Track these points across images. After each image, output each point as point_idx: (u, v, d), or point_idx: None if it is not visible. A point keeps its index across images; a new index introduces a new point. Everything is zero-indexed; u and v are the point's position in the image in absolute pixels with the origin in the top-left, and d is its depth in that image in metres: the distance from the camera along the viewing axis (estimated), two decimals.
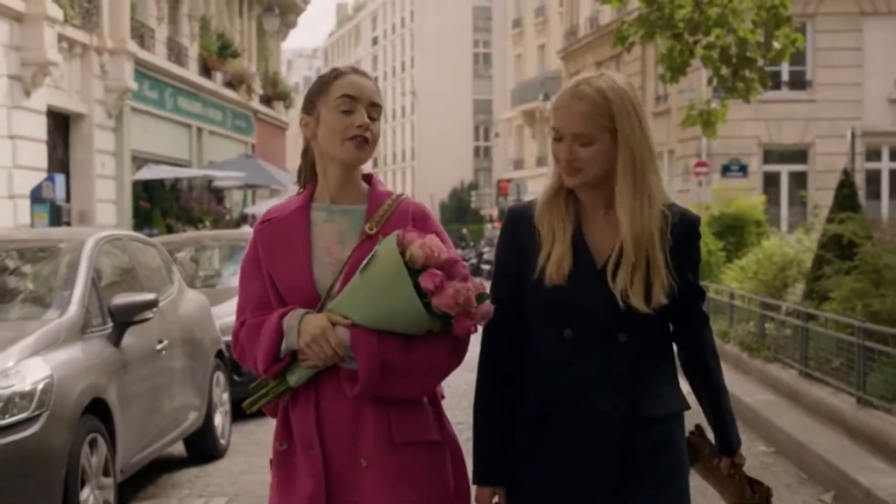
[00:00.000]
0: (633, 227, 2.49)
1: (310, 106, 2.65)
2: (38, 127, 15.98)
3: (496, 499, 2.60)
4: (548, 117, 3.03)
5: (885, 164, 27.96)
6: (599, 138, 2.50)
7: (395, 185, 79.23)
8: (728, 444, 2.72)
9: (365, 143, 2.61)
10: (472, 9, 74.11)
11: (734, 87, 14.61)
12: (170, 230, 19.52)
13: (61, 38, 16.37)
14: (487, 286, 2.62)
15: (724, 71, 14.53)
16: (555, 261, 2.50)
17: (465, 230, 51.99)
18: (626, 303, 2.48)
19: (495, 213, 55.52)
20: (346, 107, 2.59)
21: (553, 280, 2.50)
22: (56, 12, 15.74)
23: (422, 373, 2.52)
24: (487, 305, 2.50)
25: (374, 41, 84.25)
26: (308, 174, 2.72)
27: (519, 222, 2.61)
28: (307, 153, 2.72)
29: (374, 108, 2.64)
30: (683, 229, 2.57)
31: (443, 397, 2.69)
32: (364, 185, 2.72)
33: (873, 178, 27.85)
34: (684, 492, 2.62)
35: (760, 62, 14.66)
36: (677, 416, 2.61)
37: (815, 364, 8.98)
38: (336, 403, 2.52)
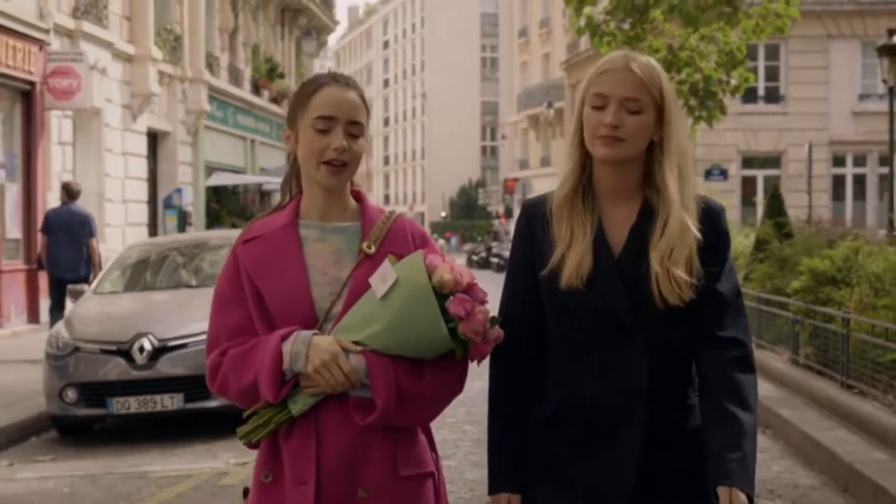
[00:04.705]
0: (681, 206, 2.33)
1: (292, 118, 2.49)
2: (141, 145, 19.91)
3: None
4: (578, 101, 2.45)
5: (849, 170, 31.33)
6: (647, 109, 2.34)
7: (405, 183, 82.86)
8: (725, 472, 2.30)
9: (342, 167, 2.43)
10: (480, 15, 77.67)
11: (700, 115, 18.31)
12: (234, 228, 23.42)
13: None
14: (496, 280, 2.53)
15: (693, 102, 18.22)
16: (573, 264, 2.34)
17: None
18: (650, 292, 2.32)
19: (502, 209, 58.99)
20: (323, 126, 2.42)
21: (571, 282, 2.34)
22: (157, 53, 19.65)
23: (431, 399, 2.43)
24: (497, 330, 2.41)
25: (385, 45, 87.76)
26: (295, 186, 2.55)
27: (533, 219, 2.45)
28: (294, 164, 2.54)
29: (355, 126, 2.45)
30: (712, 217, 2.39)
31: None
32: (353, 201, 2.55)
33: (839, 183, 31.42)
34: None
35: (721, 95, 18.36)
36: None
37: None
38: (339, 434, 2.38)
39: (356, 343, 2.36)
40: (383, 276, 2.37)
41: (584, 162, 2.41)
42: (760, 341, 11.44)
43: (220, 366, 2.42)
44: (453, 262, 2.42)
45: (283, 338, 2.35)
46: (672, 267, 2.31)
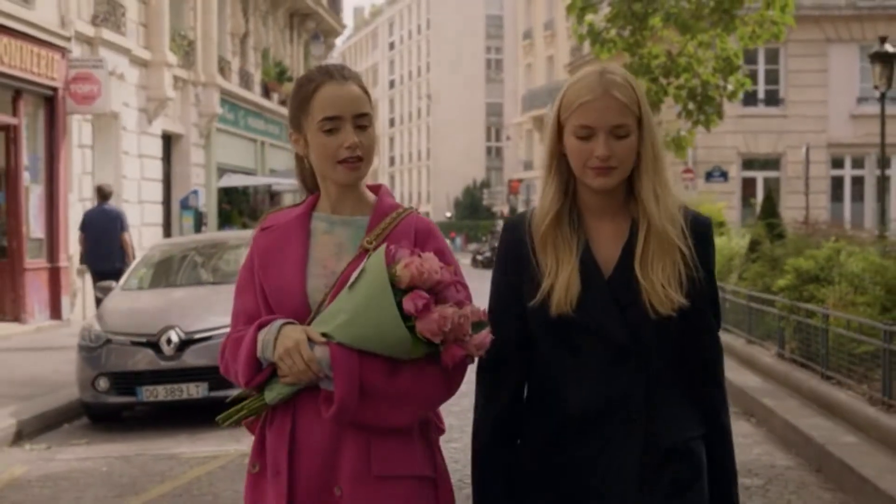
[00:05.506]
0: (661, 217, 2.29)
1: (295, 121, 2.46)
2: (156, 147, 20.54)
3: None
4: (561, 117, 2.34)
5: (847, 172, 31.90)
6: (633, 130, 2.28)
7: (411, 183, 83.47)
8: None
9: (358, 161, 2.41)
10: (485, 17, 78.39)
11: (699, 120, 18.87)
12: (245, 228, 24.02)
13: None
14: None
15: (691, 106, 18.78)
16: (562, 290, 2.28)
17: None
18: (642, 305, 2.27)
19: (506, 210, 59.63)
20: (330, 126, 2.38)
21: (561, 308, 2.27)
22: (172, 59, 20.28)
23: (405, 400, 2.33)
24: (484, 335, 2.28)
25: (391, 46, 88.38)
26: (311, 183, 2.55)
27: (518, 243, 2.37)
28: (304, 162, 2.53)
29: (362, 118, 2.41)
30: (698, 229, 2.35)
31: (442, 431, 2.52)
32: (370, 195, 2.53)
33: (838, 184, 31.97)
34: None
35: (718, 99, 18.92)
36: (697, 441, 2.38)
37: (732, 322, 13.41)
38: (313, 427, 2.36)
39: (325, 334, 2.32)
40: (359, 268, 2.35)
41: (567, 186, 2.37)
42: (751, 337, 12.04)
43: (226, 349, 2.48)
44: (425, 257, 2.30)
45: (262, 325, 2.37)
46: (658, 278, 2.28)
